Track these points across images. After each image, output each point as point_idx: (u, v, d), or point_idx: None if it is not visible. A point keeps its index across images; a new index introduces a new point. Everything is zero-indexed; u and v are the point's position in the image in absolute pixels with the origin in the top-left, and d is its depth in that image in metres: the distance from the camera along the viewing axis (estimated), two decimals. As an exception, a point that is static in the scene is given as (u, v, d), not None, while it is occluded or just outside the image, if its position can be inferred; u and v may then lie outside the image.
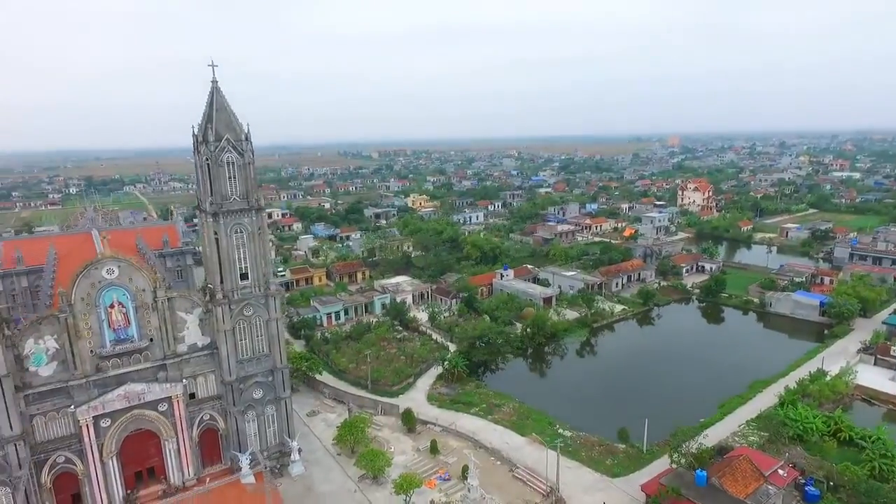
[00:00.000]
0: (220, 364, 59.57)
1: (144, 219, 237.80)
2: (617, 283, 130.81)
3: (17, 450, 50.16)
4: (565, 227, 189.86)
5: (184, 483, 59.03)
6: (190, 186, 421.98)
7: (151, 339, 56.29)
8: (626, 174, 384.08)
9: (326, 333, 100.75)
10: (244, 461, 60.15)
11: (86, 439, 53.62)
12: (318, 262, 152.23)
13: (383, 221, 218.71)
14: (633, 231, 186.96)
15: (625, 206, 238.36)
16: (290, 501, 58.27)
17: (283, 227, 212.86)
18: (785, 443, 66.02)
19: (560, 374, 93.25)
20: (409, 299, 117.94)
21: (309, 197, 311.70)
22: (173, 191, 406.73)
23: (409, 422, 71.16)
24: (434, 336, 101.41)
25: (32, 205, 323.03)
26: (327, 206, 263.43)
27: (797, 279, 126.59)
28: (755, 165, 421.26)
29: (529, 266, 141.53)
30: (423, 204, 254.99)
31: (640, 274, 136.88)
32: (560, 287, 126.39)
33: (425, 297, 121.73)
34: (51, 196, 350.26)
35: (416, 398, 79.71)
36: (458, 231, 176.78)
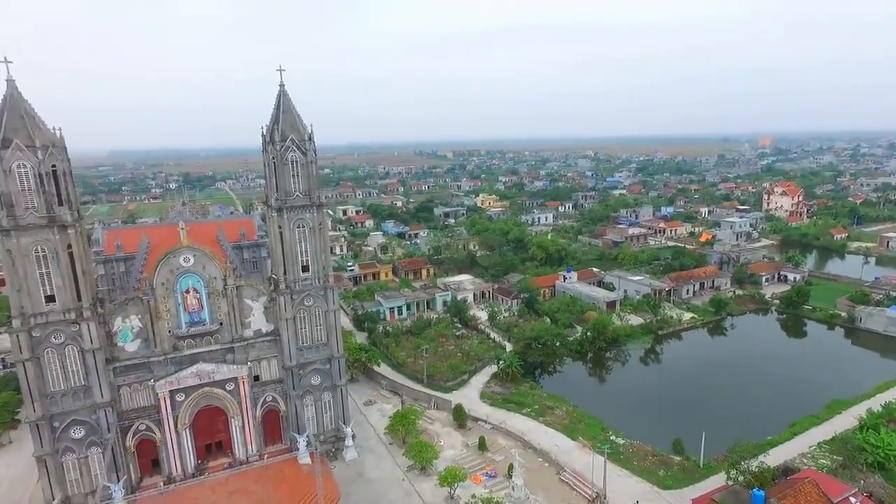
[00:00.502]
0: (281, 350, 63.56)
1: (231, 213, 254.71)
2: (688, 290, 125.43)
3: (106, 415, 56.27)
4: (637, 231, 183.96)
5: (247, 458, 63.49)
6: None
7: (221, 324, 61.05)
8: (709, 176, 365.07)
9: (388, 327, 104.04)
10: (301, 442, 63.67)
11: (163, 411, 59.08)
12: (385, 259, 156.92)
13: (451, 220, 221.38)
14: (709, 236, 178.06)
15: (704, 210, 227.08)
16: (341, 484, 61.05)
17: (356, 223, 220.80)
18: (861, 469, 61.16)
19: (619, 380, 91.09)
20: (470, 298, 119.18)
21: (383, 195, 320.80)
22: (259, 187, 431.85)
23: (460, 417, 72.40)
24: (492, 335, 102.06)
25: (138, 198, 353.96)
26: (399, 204, 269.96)
27: (894, 293, 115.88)
28: (857, 168, 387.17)
29: (595, 269, 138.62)
30: (492, 204, 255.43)
31: (713, 281, 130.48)
32: (626, 291, 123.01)
33: (486, 296, 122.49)
34: (153, 191, 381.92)
35: (469, 395, 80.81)
36: (524, 231, 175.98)
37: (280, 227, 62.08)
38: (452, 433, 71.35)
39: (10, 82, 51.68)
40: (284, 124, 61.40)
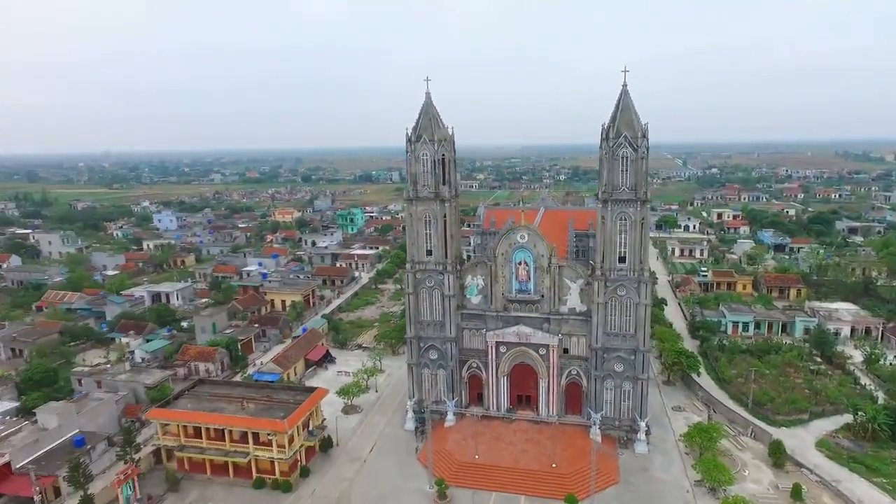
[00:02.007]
0: (590, 330, 68.92)
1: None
2: None
3: (451, 347, 73.34)
4: None
5: (547, 417, 72.03)
6: (655, 181, 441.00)
7: (542, 296, 70.45)
8: None
9: (725, 341, 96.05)
10: (595, 420, 68.43)
11: (489, 356, 72.75)
12: (749, 270, 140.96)
13: (857, 238, 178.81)
14: None
15: None
16: (623, 472, 63.27)
17: (728, 228, 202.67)
18: None
19: None
20: (846, 331, 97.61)
21: (774, 200, 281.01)
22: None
23: (777, 455, 63.44)
24: (863, 381, 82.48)
25: (532, 187, 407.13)
26: (791, 212, 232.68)
27: None
28: None
29: None
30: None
31: None
32: None
33: (871, 333, 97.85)
34: (545, 181, 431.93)
35: (801, 437, 69.19)
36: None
37: (603, 218, 66.89)
38: (762, 469, 63.38)
39: (427, 94, 71.69)
40: (621, 121, 65.25)
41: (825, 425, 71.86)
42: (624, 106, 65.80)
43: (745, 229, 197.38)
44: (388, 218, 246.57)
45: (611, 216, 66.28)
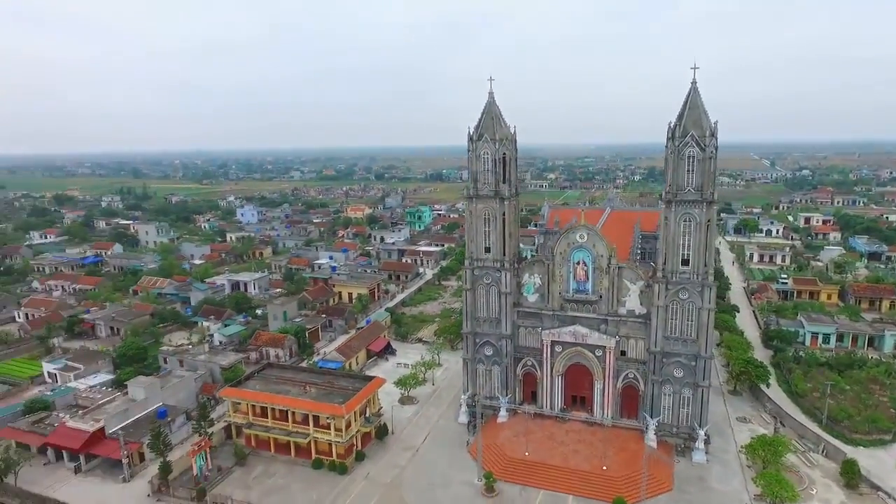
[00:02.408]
0: (649, 334, 67.39)
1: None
2: None
3: (506, 344, 74.01)
4: None
5: (602, 420, 71.12)
6: (739, 182, 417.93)
7: (600, 296, 69.58)
8: None
9: (802, 352, 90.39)
10: (651, 425, 66.86)
11: (544, 355, 72.71)
12: (836, 279, 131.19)
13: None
14: None
15: None
16: (678, 480, 61.52)
17: (817, 234, 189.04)
18: None
19: None
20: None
21: (872, 205, 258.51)
22: (721, 185, 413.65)
23: (851, 475, 59.43)
24: (961, 403, 75.16)
25: (603, 187, 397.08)
26: (893, 218, 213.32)
27: None
28: None
29: None
30: None
31: None
32: None
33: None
34: (618, 181, 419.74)
35: (881, 458, 64.30)
36: None
37: (667, 219, 65.15)
38: (833, 489, 59.55)
39: (490, 94, 72.60)
40: (688, 120, 63.31)
41: (912, 448, 66.38)
42: (692, 104, 63.81)
43: (835, 235, 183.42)
44: (456, 216, 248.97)
45: (675, 217, 64.50)
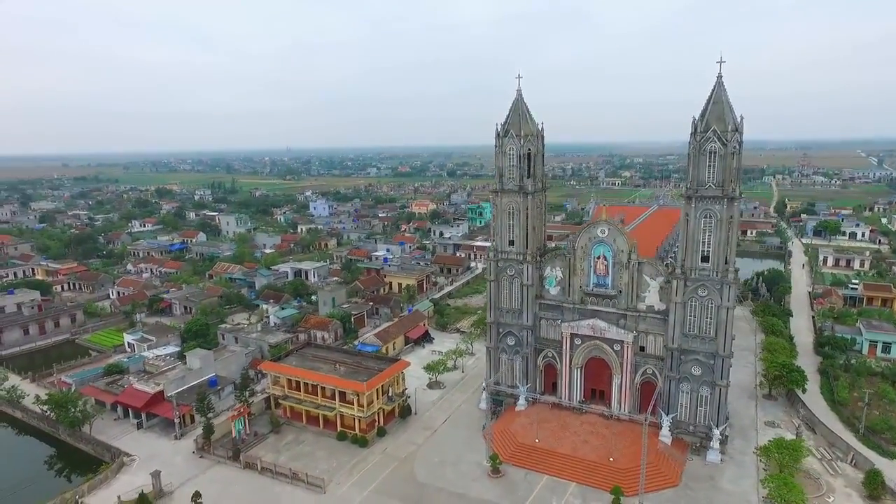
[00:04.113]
0: (667, 330, 67.06)
1: (754, 208, 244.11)
2: None
3: (528, 335, 76.00)
4: None
5: (618, 414, 71.46)
6: (834, 182, 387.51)
7: (620, 291, 69.92)
8: None
9: (855, 360, 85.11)
10: (665, 422, 66.60)
11: (564, 347, 74.03)
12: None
13: None
14: None
15: None
16: (688, 478, 61.23)
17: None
18: None
19: None
20: None
21: None
22: (813, 184, 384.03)
23: (874, 486, 56.59)
24: None
25: (678, 185, 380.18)
26: None
27: None
28: None
29: None
30: None
31: None
32: None
33: None
34: (673, 178, 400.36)
35: (919, 473, 60.39)
36: None
37: (687, 215, 64.56)
38: (853, 498, 56.92)
39: (518, 91, 74.65)
40: (711, 115, 62.46)
41: (956, 466, 61.71)
42: (716, 98, 62.86)
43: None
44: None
45: (695, 213, 63.89)
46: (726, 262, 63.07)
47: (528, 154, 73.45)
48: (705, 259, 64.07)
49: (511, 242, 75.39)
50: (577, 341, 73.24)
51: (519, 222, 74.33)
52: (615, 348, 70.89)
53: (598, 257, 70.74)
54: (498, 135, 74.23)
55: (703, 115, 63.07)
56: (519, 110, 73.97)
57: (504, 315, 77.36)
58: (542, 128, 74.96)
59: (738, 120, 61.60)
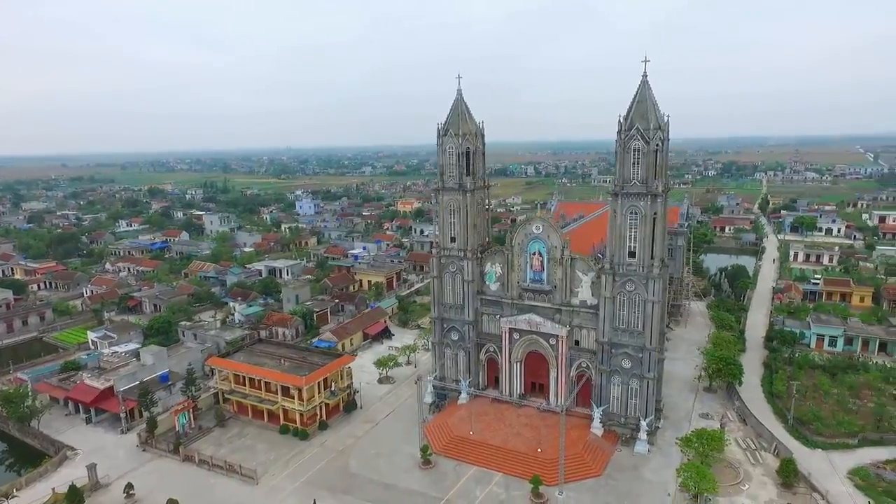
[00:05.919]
0: (598, 324, 68.35)
1: (737, 204, 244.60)
2: None
3: (469, 330, 77.32)
4: None
5: (555, 407, 72.71)
6: (824, 178, 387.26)
7: (555, 286, 71.19)
8: None
9: (798, 354, 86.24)
10: (596, 413, 67.97)
11: (504, 342, 75.37)
12: (877, 280, 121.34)
13: None
14: None
15: None
16: (613, 468, 62.61)
17: (885, 234, 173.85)
18: None
19: None
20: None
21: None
22: (804, 180, 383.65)
23: (787, 474, 57.83)
24: (961, 415, 69.45)
25: (673, 182, 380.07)
26: None
27: None
28: None
29: None
30: None
31: None
32: None
33: None
34: (686, 177, 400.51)
35: (835, 462, 61.58)
36: None
37: (614, 211, 65.80)
38: (767, 486, 58.22)
39: (458, 91, 75.90)
40: (635, 113, 63.63)
41: (876, 454, 62.96)
42: (641, 97, 64.02)
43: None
44: (503, 211, 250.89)
45: (621, 210, 65.13)
46: (652, 258, 64.34)
47: (468, 152, 74.70)
48: (632, 254, 65.36)
49: (453, 239, 76.73)
50: (516, 336, 74.55)
51: (460, 219, 75.57)
52: (551, 342, 72.19)
53: (534, 253, 72.00)
54: (438, 133, 75.54)
55: (627, 113, 64.27)
56: (458, 110, 75.17)
57: (448, 311, 78.71)
58: (482, 127, 76.27)
59: (663, 118, 62.90)
